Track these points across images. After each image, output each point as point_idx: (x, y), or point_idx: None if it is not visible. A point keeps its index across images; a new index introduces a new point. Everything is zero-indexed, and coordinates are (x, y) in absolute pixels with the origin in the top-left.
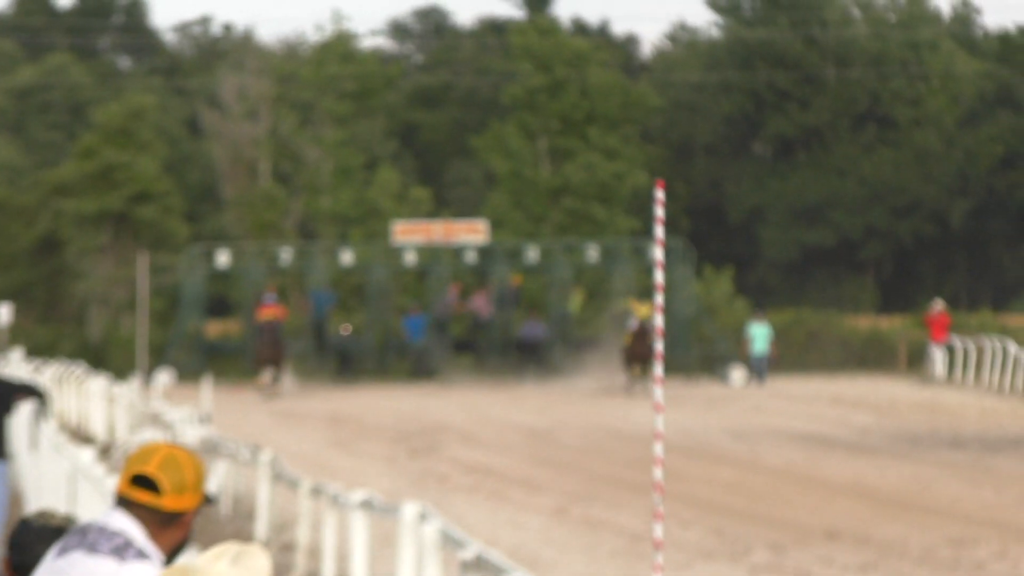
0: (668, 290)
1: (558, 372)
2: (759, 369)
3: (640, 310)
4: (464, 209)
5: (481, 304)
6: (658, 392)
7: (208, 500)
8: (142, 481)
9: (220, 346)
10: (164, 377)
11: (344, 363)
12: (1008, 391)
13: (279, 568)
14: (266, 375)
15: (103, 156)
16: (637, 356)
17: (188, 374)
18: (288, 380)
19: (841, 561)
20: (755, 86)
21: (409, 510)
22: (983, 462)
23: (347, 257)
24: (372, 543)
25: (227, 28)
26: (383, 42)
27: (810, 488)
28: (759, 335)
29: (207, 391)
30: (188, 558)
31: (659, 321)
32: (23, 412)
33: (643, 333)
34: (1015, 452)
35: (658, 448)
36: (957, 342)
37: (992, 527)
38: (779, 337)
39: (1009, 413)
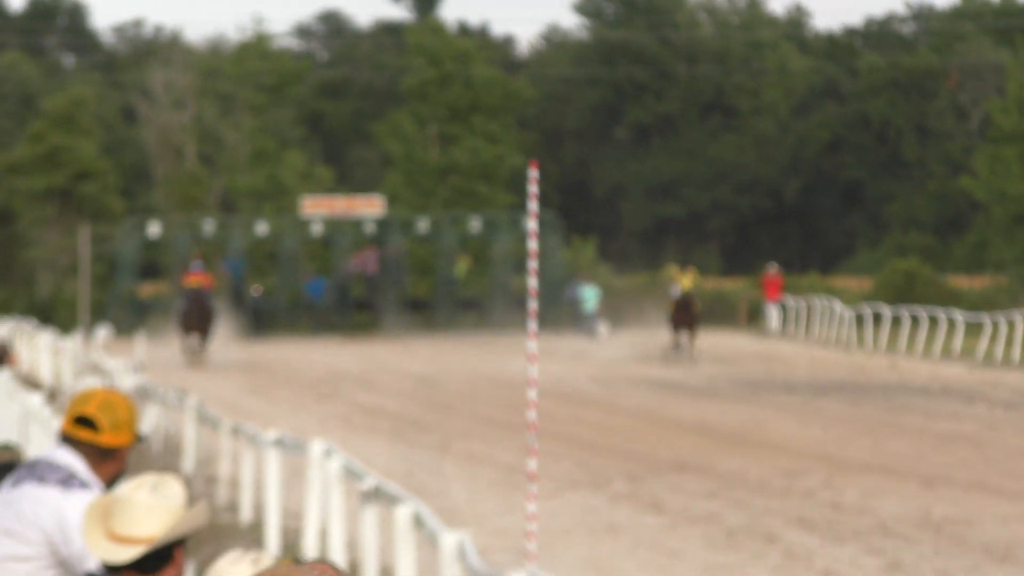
0: (541, 256)
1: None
2: (590, 326)
3: (683, 281)
4: (363, 186)
5: (369, 260)
6: (532, 344)
7: (140, 438)
8: (83, 421)
9: (151, 305)
10: (103, 332)
11: (257, 320)
12: (834, 343)
13: (204, 497)
14: (192, 340)
15: (50, 140)
16: (683, 322)
17: (124, 329)
18: (213, 347)
19: (689, 490)
20: (616, 80)
21: (316, 447)
22: (812, 404)
23: (262, 228)
24: (284, 475)
25: (158, 29)
26: (292, 42)
27: (663, 427)
28: (589, 296)
29: (140, 344)
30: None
31: (533, 283)
32: None
33: (686, 302)
34: (839, 395)
35: (532, 393)
36: (790, 301)
37: (820, 460)
38: (634, 296)
39: (834, 362)
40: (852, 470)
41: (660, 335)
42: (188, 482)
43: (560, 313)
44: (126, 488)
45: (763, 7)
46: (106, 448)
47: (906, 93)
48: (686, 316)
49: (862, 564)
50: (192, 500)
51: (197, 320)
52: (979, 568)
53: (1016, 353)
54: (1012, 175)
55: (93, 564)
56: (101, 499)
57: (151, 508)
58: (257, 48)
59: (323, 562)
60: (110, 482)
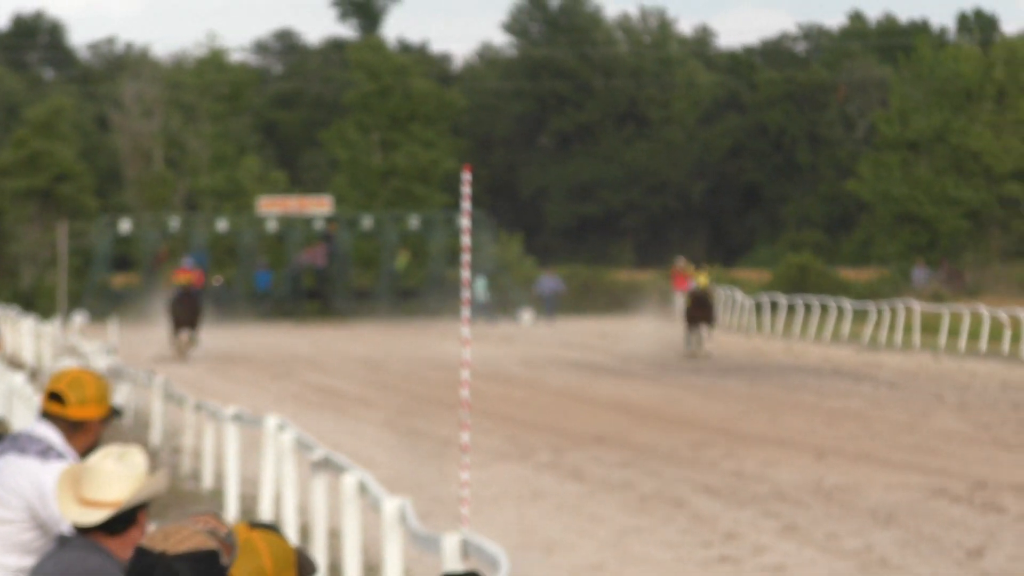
0: (472, 251)
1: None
2: (480, 313)
3: (699, 278)
4: (313, 187)
5: (319, 254)
6: (465, 330)
7: (116, 413)
8: (55, 396)
9: (123, 294)
10: (80, 318)
11: (218, 308)
12: (735, 328)
13: (167, 466)
14: (182, 335)
15: (31, 146)
16: (699, 318)
17: (98, 316)
18: (201, 342)
19: (607, 460)
20: (541, 92)
21: (271, 421)
22: (716, 384)
23: (222, 225)
24: (242, 447)
25: (129, 46)
26: (249, 56)
27: (583, 404)
28: (480, 287)
29: (113, 329)
30: None
31: (466, 275)
32: None
33: (703, 298)
34: (740, 376)
35: (465, 373)
36: None
37: (723, 434)
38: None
39: (736, 346)
40: (752, 442)
41: (582, 322)
42: (155, 453)
43: (490, 302)
44: (95, 458)
45: (673, 27)
46: (74, 420)
47: (799, 105)
48: (702, 311)
49: (760, 526)
50: (154, 468)
51: (186, 315)
52: (865, 530)
53: (898, 337)
54: (894, 178)
55: (67, 527)
56: (72, 467)
57: (117, 475)
58: (215, 62)
59: (207, 513)
60: (84, 453)
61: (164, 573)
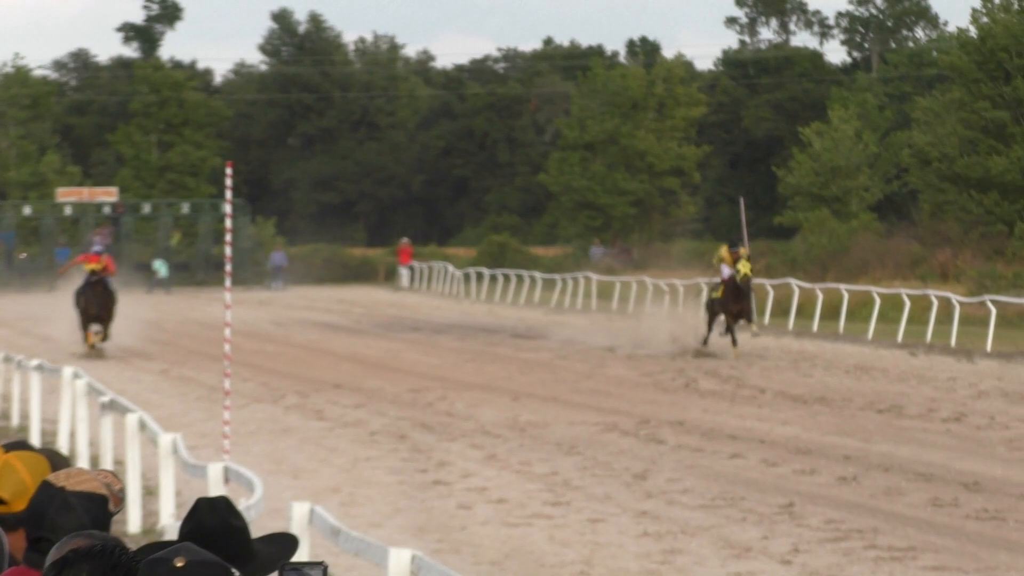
0: (233, 232)
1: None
2: (160, 286)
3: (741, 265)
4: (103, 180)
5: (106, 234)
6: (227, 296)
7: None
8: None
9: None
10: None
11: (23, 279)
12: (448, 295)
13: None
14: (93, 329)
15: None
16: (731, 312)
17: None
18: (111, 338)
19: (343, 402)
20: (290, 102)
21: (67, 371)
22: (432, 339)
23: (27, 210)
24: (43, 392)
25: None
26: (49, 72)
27: (323, 356)
28: (160, 267)
29: None
30: None
31: (228, 251)
32: None
33: (741, 289)
34: (452, 333)
35: (227, 332)
36: (416, 264)
37: (437, 380)
38: (303, 261)
39: (448, 309)
40: (461, 387)
41: (323, 290)
42: None
43: (247, 273)
44: None
45: (400, 50)
46: None
47: (499, 113)
48: (738, 304)
49: (468, 456)
50: None
51: (96, 309)
52: (552, 458)
53: (579, 302)
54: (575, 173)
55: None
56: None
57: None
58: (20, 77)
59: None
60: None
61: (61, 504)
